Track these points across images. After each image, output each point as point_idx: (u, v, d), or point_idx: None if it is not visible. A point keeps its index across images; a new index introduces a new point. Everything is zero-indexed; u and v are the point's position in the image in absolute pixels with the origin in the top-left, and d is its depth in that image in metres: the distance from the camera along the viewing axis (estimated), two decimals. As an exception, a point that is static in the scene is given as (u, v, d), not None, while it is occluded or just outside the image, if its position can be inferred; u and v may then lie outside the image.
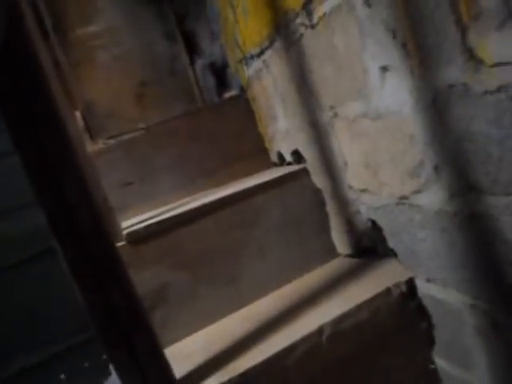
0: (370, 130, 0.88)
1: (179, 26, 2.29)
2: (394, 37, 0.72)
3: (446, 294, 0.86)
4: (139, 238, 1.05)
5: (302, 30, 1.01)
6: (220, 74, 2.13)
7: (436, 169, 0.74)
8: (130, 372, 0.58)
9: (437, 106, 0.69)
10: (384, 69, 0.77)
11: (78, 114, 2.18)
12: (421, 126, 0.73)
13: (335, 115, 0.99)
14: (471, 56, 0.61)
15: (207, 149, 1.47)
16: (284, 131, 1.30)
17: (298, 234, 1.20)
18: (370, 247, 1.13)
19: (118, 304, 0.55)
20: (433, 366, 0.99)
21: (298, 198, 1.20)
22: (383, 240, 1.01)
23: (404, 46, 0.71)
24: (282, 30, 1.10)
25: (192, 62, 2.25)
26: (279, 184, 1.20)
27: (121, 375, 0.58)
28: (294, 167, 1.25)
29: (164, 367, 0.61)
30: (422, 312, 0.96)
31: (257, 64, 1.33)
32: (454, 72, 0.64)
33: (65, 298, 2.81)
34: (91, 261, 0.53)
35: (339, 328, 0.93)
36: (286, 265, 1.18)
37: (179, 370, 0.89)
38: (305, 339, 0.90)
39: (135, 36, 2.17)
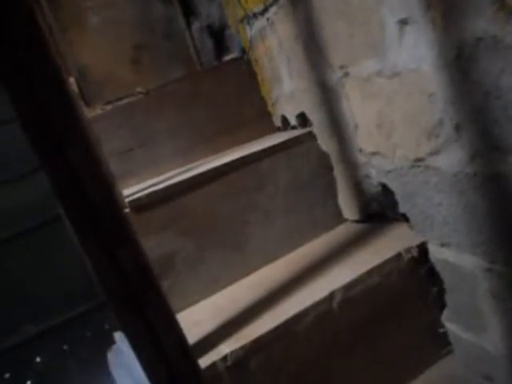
0: (385, 89, 0.84)
1: (174, -14, 2.20)
2: (416, -14, 0.67)
3: (460, 258, 0.84)
4: (142, 205, 1.01)
5: (310, -17, 0.95)
6: (218, 36, 2.05)
7: (457, 128, 0.70)
8: (144, 340, 0.56)
9: (461, 61, 0.65)
10: (403, 22, 0.73)
11: (71, 79, 2.10)
12: (442, 82, 0.69)
13: (346, 75, 0.95)
14: (502, 5, 0.57)
15: (208, 113, 1.43)
16: (289, 94, 1.26)
17: (304, 199, 1.17)
18: (379, 212, 1.10)
19: (130, 271, 0.52)
20: (443, 330, 0.98)
21: (305, 163, 1.17)
22: (393, 204, 0.99)
23: (426, -4, 0.66)
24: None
25: (189, 25, 2.16)
26: (285, 148, 1.16)
27: (134, 344, 0.56)
28: (300, 131, 1.21)
29: (179, 334, 0.59)
30: (433, 276, 0.95)
31: (260, 23, 1.27)
32: (482, 24, 0.60)
33: (66, 269, 2.81)
34: (101, 228, 0.50)
35: (350, 294, 0.91)
36: (292, 230, 1.15)
37: (189, 337, 0.88)
38: (315, 305, 0.89)
39: (129, -3, 2.08)
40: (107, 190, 0.50)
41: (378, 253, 0.98)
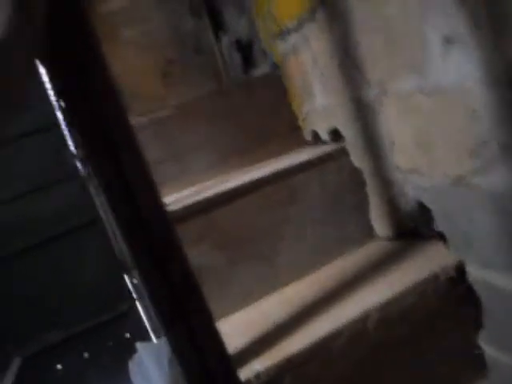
0: (425, 106, 0.83)
1: (205, 1, 2.23)
2: (462, 4, 0.67)
3: (500, 280, 0.82)
4: (177, 217, 1.02)
5: (349, 0, 0.95)
6: (246, 51, 2.07)
7: (504, 148, 0.69)
8: (187, 351, 0.56)
9: (510, 79, 0.64)
10: (447, 39, 0.72)
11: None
12: (489, 101, 0.68)
13: (384, 91, 0.94)
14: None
15: (239, 127, 1.43)
16: (321, 109, 1.26)
17: (336, 214, 1.16)
18: (412, 229, 1.09)
19: (177, 282, 0.53)
20: (478, 352, 0.96)
21: (337, 178, 1.16)
22: (429, 222, 0.97)
23: (474, 13, 0.65)
24: (326, 1, 1.05)
25: (218, 39, 2.19)
26: (318, 163, 1.16)
27: (179, 354, 0.56)
28: (332, 146, 1.21)
29: (220, 347, 0.58)
30: (470, 297, 0.92)
31: (293, 39, 1.28)
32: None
33: (89, 278, 2.83)
34: (152, 241, 0.50)
35: (385, 313, 0.90)
36: (324, 245, 1.14)
37: (222, 352, 0.87)
38: (350, 324, 0.88)
39: (160, 12, 2.12)
40: (160, 207, 0.50)
41: (412, 272, 0.97)
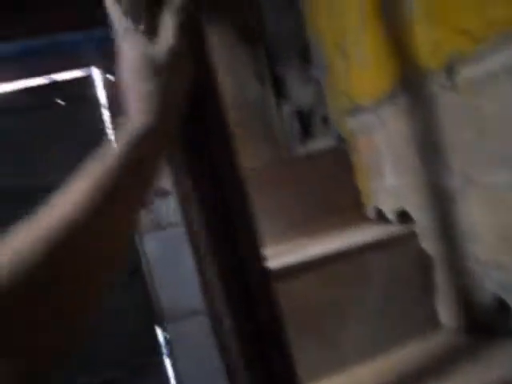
0: (517, 202, 0.82)
1: (270, 68, 2.33)
2: None
3: None
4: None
5: (436, 89, 0.97)
6: (305, 121, 2.12)
7: None
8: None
9: None
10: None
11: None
12: None
13: (468, 181, 0.94)
14: None
15: (301, 197, 1.44)
16: (390, 189, 1.25)
17: (401, 298, 1.12)
18: (485, 324, 1.03)
19: (265, 322, 0.52)
20: None
21: (405, 261, 1.14)
22: (507, 320, 0.93)
23: None
24: (408, 85, 1.07)
25: (279, 107, 2.26)
26: (385, 244, 1.14)
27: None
28: (400, 228, 1.19)
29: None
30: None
31: (367, 117, 1.31)
32: None
33: (122, 324, 2.80)
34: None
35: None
36: (387, 330, 1.10)
37: None
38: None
39: (227, 75, 2.21)
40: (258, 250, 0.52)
41: (487, 371, 0.91)
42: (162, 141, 0.45)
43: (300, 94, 2.16)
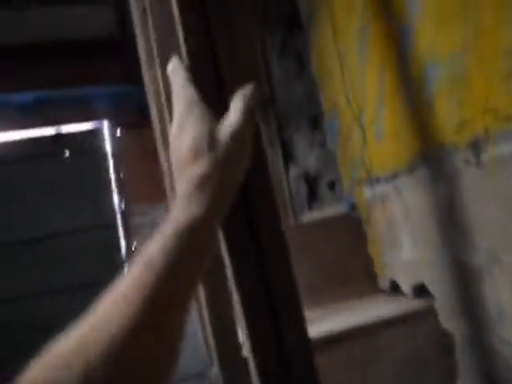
0: (550, 286, 0.79)
1: (279, 133, 2.37)
2: None
3: None
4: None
5: (460, 165, 0.97)
6: (312, 185, 2.13)
7: None
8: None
9: None
10: None
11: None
12: None
13: (495, 259, 0.91)
14: None
15: (311, 264, 1.41)
16: (407, 261, 1.23)
17: (419, 379, 1.06)
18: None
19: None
20: None
21: (423, 340, 1.09)
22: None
23: None
24: (429, 159, 1.08)
25: (286, 170, 2.28)
26: (403, 320, 1.10)
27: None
28: (418, 303, 1.15)
29: None
30: None
31: (383, 187, 1.30)
32: None
33: None
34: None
35: None
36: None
37: None
38: None
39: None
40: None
41: None
42: (212, 235, 0.41)
43: (308, 158, 2.18)
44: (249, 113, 0.43)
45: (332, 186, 1.97)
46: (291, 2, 2.16)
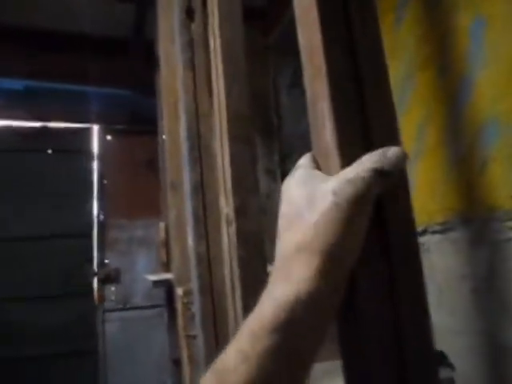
0: None
1: (281, 164, 2.29)
2: None
3: None
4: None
5: (509, 232, 0.91)
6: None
7: None
8: None
9: None
10: None
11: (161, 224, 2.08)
12: None
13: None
14: None
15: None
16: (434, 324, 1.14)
17: None
18: None
19: None
20: None
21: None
22: None
23: None
24: (472, 222, 1.01)
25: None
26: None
27: None
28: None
29: None
30: None
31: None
32: None
33: None
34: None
35: None
36: None
37: None
38: None
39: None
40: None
41: None
42: (328, 309, 0.32)
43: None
44: (381, 175, 0.33)
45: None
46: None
